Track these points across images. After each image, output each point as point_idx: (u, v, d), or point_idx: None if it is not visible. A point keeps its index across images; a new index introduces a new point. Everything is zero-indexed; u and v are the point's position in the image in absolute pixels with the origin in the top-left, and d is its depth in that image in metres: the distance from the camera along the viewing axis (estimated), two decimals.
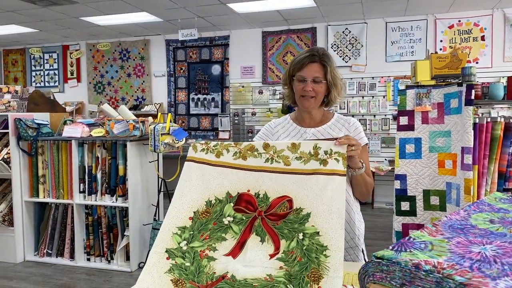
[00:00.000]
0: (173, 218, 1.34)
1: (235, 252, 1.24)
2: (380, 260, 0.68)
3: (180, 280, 1.18)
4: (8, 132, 3.88)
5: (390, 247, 0.73)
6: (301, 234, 1.23)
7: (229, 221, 1.31)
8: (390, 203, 2.81)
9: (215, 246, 1.26)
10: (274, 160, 1.39)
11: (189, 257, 1.24)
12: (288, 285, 1.10)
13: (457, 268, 0.63)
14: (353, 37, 6.51)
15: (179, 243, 1.27)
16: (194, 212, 1.34)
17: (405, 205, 2.83)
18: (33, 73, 8.29)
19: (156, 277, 1.19)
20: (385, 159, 6.27)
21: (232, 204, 1.34)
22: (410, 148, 2.81)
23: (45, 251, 4.02)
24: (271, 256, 1.21)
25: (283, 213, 1.29)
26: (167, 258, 1.24)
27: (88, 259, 3.89)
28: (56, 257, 3.98)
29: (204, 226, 1.31)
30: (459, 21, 6.07)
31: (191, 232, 1.30)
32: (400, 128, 2.86)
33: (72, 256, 3.91)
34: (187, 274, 1.19)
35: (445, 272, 0.61)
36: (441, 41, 6.16)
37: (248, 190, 1.36)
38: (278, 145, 1.41)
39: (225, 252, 1.24)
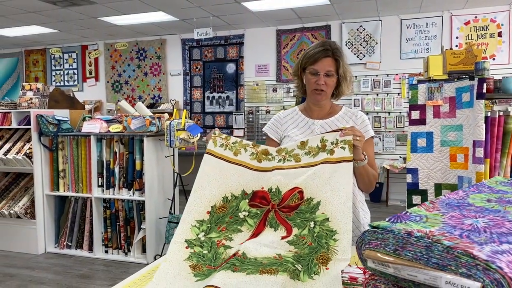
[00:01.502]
0: (192, 212, 1.40)
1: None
2: (375, 229, 0.73)
3: (198, 265, 1.25)
4: (30, 128, 4.03)
5: (387, 219, 0.78)
6: (312, 222, 1.29)
7: (244, 215, 1.39)
8: (405, 201, 2.83)
9: (231, 237, 1.33)
10: (286, 160, 1.48)
11: (206, 246, 1.31)
12: (296, 265, 1.14)
13: (446, 235, 0.67)
14: (367, 35, 6.50)
15: (197, 234, 1.34)
16: (211, 207, 1.41)
17: (416, 199, 2.85)
18: (53, 73, 8.51)
19: (175, 264, 1.26)
20: (400, 157, 6.25)
21: (247, 201, 1.42)
22: (421, 142, 2.82)
23: (65, 243, 4.15)
24: (283, 237, 1.27)
25: (295, 205, 1.35)
26: (186, 248, 1.30)
27: (106, 251, 4.00)
28: (76, 249, 4.11)
29: (221, 220, 1.38)
30: (476, 17, 6.01)
31: (209, 225, 1.37)
32: (412, 122, 2.87)
33: (90, 248, 4.04)
34: (205, 260, 1.26)
35: (435, 238, 0.66)
36: (457, 37, 6.11)
37: (262, 188, 1.44)
38: (289, 146, 1.50)
39: (241, 242, 1.30)
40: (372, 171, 1.63)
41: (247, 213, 1.39)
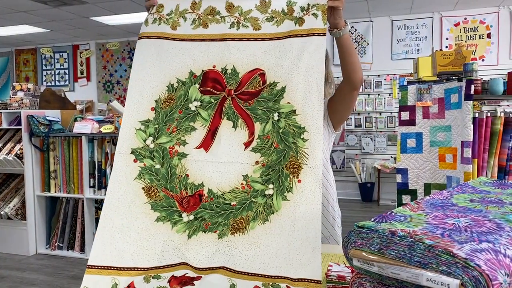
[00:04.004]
0: (133, 111, 1.18)
1: (206, 143, 1.14)
2: (361, 229, 0.75)
3: (152, 188, 1.11)
4: (21, 129, 4.00)
5: (372, 219, 0.80)
6: (276, 114, 1.11)
7: (196, 107, 1.16)
8: (396, 200, 2.89)
9: (184, 139, 1.15)
10: (241, 25, 1.18)
11: (158, 156, 1.14)
12: (266, 190, 1.05)
13: (429, 235, 0.70)
14: (359, 35, 6.55)
15: (144, 140, 1.15)
16: (155, 101, 1.18)
17: (406, 199, 2.89)
18: (44, 73, 8.45)
19: (126, 185, 1.10)
20: (391, 157, 6.31)
21: (197, 86, 1.18)
22: (411, 142, 2.86)
23: (56, 244, 4.14)
24: (246, 145, 1.12)
25: (256, 91, 1.15)
26: (135, 161, 1.13)
27: None
28: (67, 250, 4.10)
29: (170, 117, 1.17)
30: (465, 18, 6.08)
31: (156, 126, 1.16)
32: (402, 123, 2.91)
33: (82, 249, 4.03)
34: (159, 179, 1.11)
35: (417, 237, 0.68)
36: (447, 38, 6.18)
37: (214, 66, 1.18)
38: (245, 3, 1.20)
39: (196, 145, 1.14)
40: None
41: (199, 103, 1.16)
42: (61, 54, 8.27)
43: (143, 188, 1.11)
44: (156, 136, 1.15)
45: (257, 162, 1.09)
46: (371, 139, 6.45)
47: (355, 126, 6.50)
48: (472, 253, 0.63)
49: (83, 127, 3.93)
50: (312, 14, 1.14)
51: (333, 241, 1.56)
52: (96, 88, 8.07)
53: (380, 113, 6.45)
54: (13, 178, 4.32)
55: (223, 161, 1.11)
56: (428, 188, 2.83)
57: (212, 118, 1.15)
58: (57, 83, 8.32)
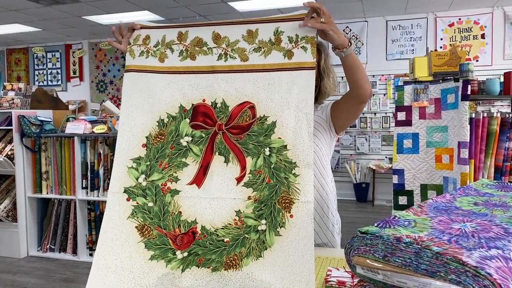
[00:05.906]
0: (125, 149, 1.19)
1: (199, 179, 1.15)
2: (364, 235, 0.72)
3: (146, 227, 1.12)
4: (11, 129, 3.93)
5: (375, 224, 0.77)
6: (268, 149, 1.12)
7: (187, 142, 1.17)
8: (391, 201, 2.87)
9: (176, 176, 1.16)
10: (228, 56, 1.19)
11: (150, 194, 1.15)
12: (259, 226, 1.06)
13: (435, 241, 0.67)
14: (353, 35, 6.54)
15: (137, 178, 1.16)
16: (146, 137, 1.19)
17: (402, 200, 2.87)
18: (36, 72, 8.35)
19: (120, 224, 1.12)
20: (386, 157, 6.31)
21: (188, 120, 1.18)
22: (407, 143, 2.84)
23: (48, 246, 4.07)
24: (238, 180, 1.13)
25: (246, 124, 1.15)
26: (127, 199, 1.15)
27: (91, 254, 3.93)
28: (59, 252, 4.03)
29: (161, 153, 1.18)
30: (459, 19, 6.09)
31: (148, 163, 1.17)
32: (398, 123, 2.89)
33: (74, 251, 3.97)
34: (152, 217, 1.12)
35: (424, 244, 0.65)
36: (441, 39, 6.19)
37: (204, 100, 1.19)
38: (232, 34, 1.20)
39: (188, 181, 1.15)
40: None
41: (190, 139, 1.17)
42: (53, 53, 8.18)
43: (136, 227, 1.12)
44: (148, 174, 1.16)
45: (249, 197, 1.10)
46: (366, 139, 6.44)
47: (350, 126, 6.49)
48: (482, 260, 0.60)
49: (76, 127, 3.88)
50: (301, 47, 1.15)
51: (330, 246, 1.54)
52: (89, 88, 7.99)
53: (375, 114, 6.45)
54: (4, 179, 4.25)
55: (215, 197, 1.12)
56: (424, 189, 2.81)
57: (203, 154, 1.16)
58: (50, 83, 8.23)
